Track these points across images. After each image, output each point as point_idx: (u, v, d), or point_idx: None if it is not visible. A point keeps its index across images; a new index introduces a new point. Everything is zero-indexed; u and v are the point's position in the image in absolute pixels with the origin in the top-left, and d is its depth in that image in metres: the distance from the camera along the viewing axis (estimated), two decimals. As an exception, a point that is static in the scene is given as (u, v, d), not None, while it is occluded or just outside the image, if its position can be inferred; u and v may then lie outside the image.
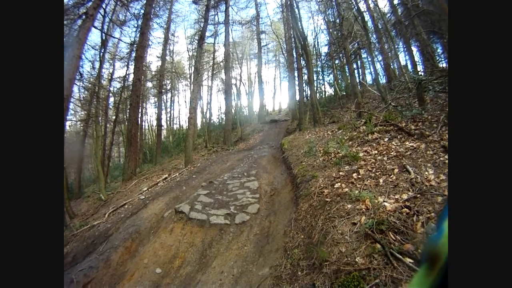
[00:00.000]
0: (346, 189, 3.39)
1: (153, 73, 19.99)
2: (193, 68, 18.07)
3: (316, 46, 22.28)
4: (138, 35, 13.73)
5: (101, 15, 11.19)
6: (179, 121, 25.17)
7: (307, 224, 3.21)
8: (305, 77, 16.10)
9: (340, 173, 4.01)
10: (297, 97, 16.66)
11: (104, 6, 10.97)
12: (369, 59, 18.99)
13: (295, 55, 16.13)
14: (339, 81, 18.39)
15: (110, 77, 15.72)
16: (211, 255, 3.97)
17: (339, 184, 3.64)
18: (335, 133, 7.33)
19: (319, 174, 4.29)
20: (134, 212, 6.23)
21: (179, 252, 4.17)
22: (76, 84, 10.69)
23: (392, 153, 4.11)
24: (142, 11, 13.51)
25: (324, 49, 24.88)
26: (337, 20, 17.18)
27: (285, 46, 20.04)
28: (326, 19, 20.11)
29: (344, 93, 17.09)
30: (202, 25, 14.47)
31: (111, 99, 16.36)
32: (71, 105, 10.53)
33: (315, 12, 21.67)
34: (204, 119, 19.74)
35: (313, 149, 5.90)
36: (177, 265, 3.99)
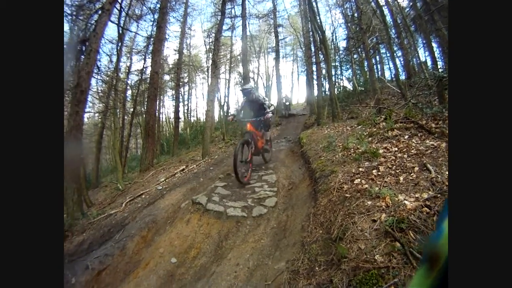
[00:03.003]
0: (366, 186, 3.33)
1: (170, 66, 20.15)
2: (210, 61, 18.12)
3: (334, 40, 21.99)
4: (155, 29, 13.82)
5: (117, 9, 11.29)
6: (196, 114, 25.43)
7: (326, 219, 3.18)
8: (323, 71, 15.95)
9: (360, 169, 3.95)
10: (315, 92, 16.48)
11: (120, 0, 11.05)
12: (388, 55, 18.67)
13: (313, 49, 15.95)
14: (358, 76, 18.13)
15: (127, 71, 15.90)
16: (227, 247, 3.98)
17: (359, 180, 3.58)
18: (354, 129, 7.24)
19: (338, 169, 4.23)
20: (151, 202, 6.31)
21: (195, 243, 4.20)
22: (94, 77, 10.88)
23: (412, 151, 4.02)
24: (158, 5, 13.58)
25: (342, 44, 24.54)
26: (355, 14, 16.90)
27: (302, 40, 19.81)
28: (344, 13, 19.83)
29: (363, 89, 16.83)
30: (219, 18, 14.44)
31: (129, 92, 16.59)
32: (89, 98, 10.77)
33: (333, 6, 21.36)
34: (221, 112, 19.78)
35: (333, 144, 5.85)
36: (192, 255, 4.03)
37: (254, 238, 3.94)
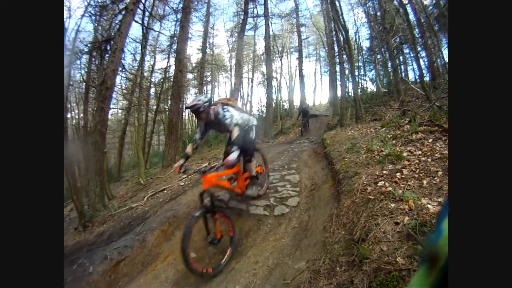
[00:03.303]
0: (390, 188, 3.31)
1: (194, 65, 20.38)
2: (233, 60, 18.28)
3: (357, 40, 21.68)
4: (178, 28, 14.18)
5: (141, 10, 11.53)
6: None
7: (349, 220, 3.18)
8: (346, 71, 15.77)
9: (384, 171, 3.92)
10: (338, 93, 16.33)
11: (143, 1, 11.32)
12: (412, 55, 18.26)
13: (336, 49, 15.80)
14: (381, 77, 17.82)
15: (151, 69, 16.21)
16: (247, 245, 4.02)
17: (383, 182, 3.56)
18: (378, 131, 7.14)
19: (362, 171, 4.21)
20: (173, 198, 6.41)
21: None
22: (119, 75, 11.17)
23: (436, 155, 3.95)
24: (181, 5, 13.86)
25: (365, 44, 24.12)
26: (378, 13, 16.60)
27: (325, 40, 19.67)
28: (367, 12, 19.49)
29: (386, 90, 16.54)
30: (241, 18, 14.53)
31: (152, 90, 16.89)
32: (114, 95, 11.09)
33: (355, 4, 21.04)
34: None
35: (356, 145, 5.79)
36: (212, 251, 4.08)
37: (275, 237, 3.95)
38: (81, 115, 14.73)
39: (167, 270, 4.01)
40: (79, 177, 10.88)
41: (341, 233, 3.10)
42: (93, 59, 12.89)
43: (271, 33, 18.50)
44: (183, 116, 16.65)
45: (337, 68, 15.92)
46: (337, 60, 15.33)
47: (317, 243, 3.38)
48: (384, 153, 4.65)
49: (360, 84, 19.81)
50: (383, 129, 7.23)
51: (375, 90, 17.84)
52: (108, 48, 10.60)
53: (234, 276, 3.43)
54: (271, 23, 18.39)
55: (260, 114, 20.72)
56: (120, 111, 17.70)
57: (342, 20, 12.92)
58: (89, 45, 12.36)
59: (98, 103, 8.86)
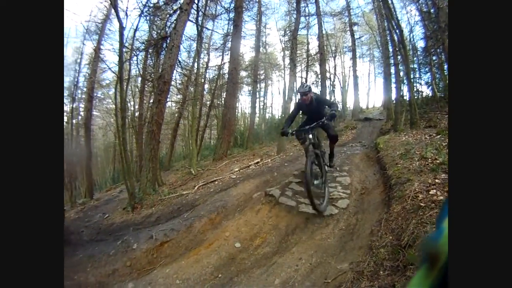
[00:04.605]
0: (441, 197, 3.24)
1: (247, 63, 20.64)
2: (286, 59, 18.27)
3: (412, 39, 20.45)
4: (231, 27, 14.51)
5: (195, 10, 11.96)
6: (272, 110, 25.48)
7: (398, 226, 3.16)
8: (401, 73, 15.06)
9: (436, 180, 3.80)
10: (393, 96, 15.67)
11: (196, 1, 11.78)
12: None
13: (390, 49, 15.14)
14: (437, 80, 16.78)
15: (205, 66, 16.70)
16: (292, 241, 4.07)
17: (435, 191, 3.47)
18: (433, 138, 6.83)
19: (414, 178, 4.10)
20: (223, 189, 6.63)
21: (261, 233, 4.35)
22: (176, 71, 11.75)
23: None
24: (233, 5, 14.29)
25: (420, 44, 22.69)
26: (432, 10, 15.59)
27: (379, 39, 18.87)
28: (420, 9, 18.30)
29: (442, 95, 15.55)
30: (293, 17, 14.53)
31: (206, 86, 17.39)
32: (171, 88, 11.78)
33: (408, 1, 19.82)
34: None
35: (410, 151, 5.63)
36: (256, 243, 4.19)
37: (321, 236, 3.97)
38: (137, 106, 15.51)
39: (210, 256, 4.15)
40: (132, 162, 11.58)
41: (389, 238, 3.09)
42: (149, 55, 13.71)
43: (323, 32, 18.20)
44: (236, 112, 16.98)
45: (392, 70, 15.18)
46: (392, 61, 14.60)
47: (363, 246, 3.38)
48: (438, 161, 4.50)
49: (415, 87, 18.82)
50: (438, 136, 6.94)
51: (430, 94, 16.84)
52: (164, 45, 11.26)
53: (276, 270, 3.48)
54: (323, 21, 18.12)
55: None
56: (174, 104, 18.41)
57: (395, 18, 12.39)
58: (145, 43, 13.09)
59: (156, 96, 9.41)
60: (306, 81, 20.25)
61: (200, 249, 4.40)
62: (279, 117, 20.55)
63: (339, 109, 5.88)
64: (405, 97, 14.98)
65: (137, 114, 15.08)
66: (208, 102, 16.80)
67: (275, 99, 35.19)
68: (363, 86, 33.25)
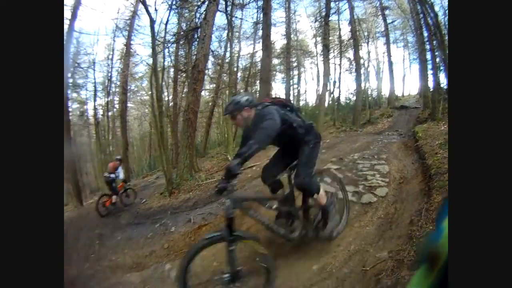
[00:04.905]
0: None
1: (278, 50, 20.50)
2: (317, 46, 17.99)
3: (446, 24, 19.33)
4: (260, 15, 14.76)
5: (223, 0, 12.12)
6: (305, 98, 25.21)
7: (439, 216, 3.11)
8: (438, 59, 14.41)
9: (475, 170, 3.70)
10: (430, 83, 15.07)
11: None
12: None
13: (425, 34, 14.47)
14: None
15: (237, 55, 16.82)
16: None
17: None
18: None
19: (454, 168, 4.01)
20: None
21: None
22: (210, 60, 12.04)
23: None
24: None
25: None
26: None
27: (412, 23, 18.06)
28: None
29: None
30: (323, 2, 14.25)
31: (239, 74, 17.55)
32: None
33: None
34: (331, 98, 19.40)
35: (450, 141, 5.43)
36: None
37: (359, 224, 3.94)
38: (170, 97, 15.95)
39: None
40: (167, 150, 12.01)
41: (429, 228, 3.08)
42: (180, 47, 14.22)
43: (355, 16, 17.72)
44: (271, 100, 17.12)
45: (428, 56, 14.51)
46: (428, 47, 13.97)
47: (402, 235, 3.36)
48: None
49: (453, 75, 17.85)
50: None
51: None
52: (195, 36, 11.43)
53: (313, 255, 3.50)
54: (354, 6, 17.63)
55: (347, 102, 19.96)
56: (207, 93, 18.73)
57: (429, 1, 11.83)
58: (176, 35, 13.55)
59: (191, 85, 9.65)
60: (340, 67, 19.69)
61: (238, 234, 4.47)
62: (312, 105, 20.24)
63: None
64: (442, 85, 14.37)
65: (171, 104, 15.47)
66: (241, 90, 16.95)
67: (309, 86, 34.87)
68: (398, 73, 31.95)
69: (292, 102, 3.64)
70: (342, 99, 20.67)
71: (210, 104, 17.24)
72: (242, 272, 2.76)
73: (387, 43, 21.59)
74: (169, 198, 7.85)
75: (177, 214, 5.82)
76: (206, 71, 14.03)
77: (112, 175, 8.80)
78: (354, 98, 17.23)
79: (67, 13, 12.34)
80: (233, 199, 2.91)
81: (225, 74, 16.53)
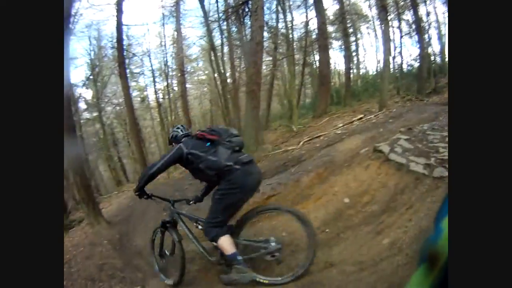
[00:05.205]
0: None
1: (331, 17, 19.65)
2: (372, 9, 16.94)
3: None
4: None
5: None
6: (365, 66, 24.05)
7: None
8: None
9: None
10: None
11: None
12: None
13: None
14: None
15: (291, 24, 16.59)
16: (400, 201, 3.87)
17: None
18: None
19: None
20: (329, 144, 6.62)
21: (370, 190, 4.23)
22: (266, 31, 12.24)
23: None
24: None
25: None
26: None
27: None
28: None
29: None
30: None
31: (295, 44, 17.32)
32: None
33: None
34: (393, 65, 18.26)
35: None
36: (365, 200, 4.11)
37: (431, 199, 3.66)
38: (227, 74, 16.33)
39: (317, 210, 4.23)
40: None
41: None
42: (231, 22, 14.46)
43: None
44: (331, 69, 16.65)
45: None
46: None
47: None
48: None
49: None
50: None
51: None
52: (246, 10, 11.39)
53: (384, 229, 3.44)
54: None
55: (410, 69, 18.60)
56: (264, 66, 18.91)
57: None
58: (226, 11, 13.80)
59: (250, 57, 9.66)
60: (401, 31, 18.17)
61: (308, 203, 4.47)
62: (373, 73, 19.37)
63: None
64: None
65: (229, 80, 15.88)
66: (298, 61, 16.75)
67: (368, 53, 33.11)
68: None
69: (221, 135, 3.16)
70: (404, 66, 19.31)
71: (268, 77, 17.30)
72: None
73: (448, 2, 19.35)
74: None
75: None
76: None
77: None
78: (417, 64, 16.09)
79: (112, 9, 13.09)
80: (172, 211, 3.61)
81: (280, 47, 16.53)
